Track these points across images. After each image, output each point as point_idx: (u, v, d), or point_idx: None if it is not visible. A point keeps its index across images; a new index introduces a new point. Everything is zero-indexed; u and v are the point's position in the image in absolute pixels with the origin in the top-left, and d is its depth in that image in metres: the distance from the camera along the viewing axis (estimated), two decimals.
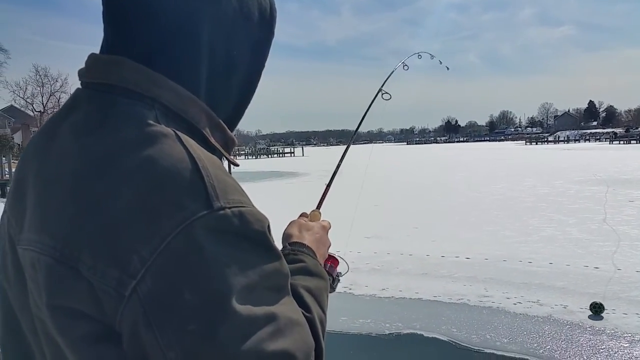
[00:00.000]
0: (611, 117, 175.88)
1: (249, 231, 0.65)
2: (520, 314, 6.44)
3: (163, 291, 0.59)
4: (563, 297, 6.98)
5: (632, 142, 78.20)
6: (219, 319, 0.59)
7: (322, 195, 1.25)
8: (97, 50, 0.80)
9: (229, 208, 0.63)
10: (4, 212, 0.80)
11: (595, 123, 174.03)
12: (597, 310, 6.28)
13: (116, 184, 0.63)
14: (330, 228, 1.09)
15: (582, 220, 12.49)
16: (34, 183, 0.72)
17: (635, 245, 9.70)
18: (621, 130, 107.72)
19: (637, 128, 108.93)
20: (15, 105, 63.98)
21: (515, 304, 6.78)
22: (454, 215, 13.91)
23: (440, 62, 1.76)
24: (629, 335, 5.65)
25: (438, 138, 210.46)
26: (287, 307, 0.66)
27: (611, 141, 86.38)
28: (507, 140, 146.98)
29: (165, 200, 0.61)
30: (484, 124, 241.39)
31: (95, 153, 0.67)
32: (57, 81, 60.35)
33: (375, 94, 1.45)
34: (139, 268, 0.59)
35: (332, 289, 1.03)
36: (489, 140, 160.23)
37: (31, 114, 61.65)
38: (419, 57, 1.64)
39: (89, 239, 0.62)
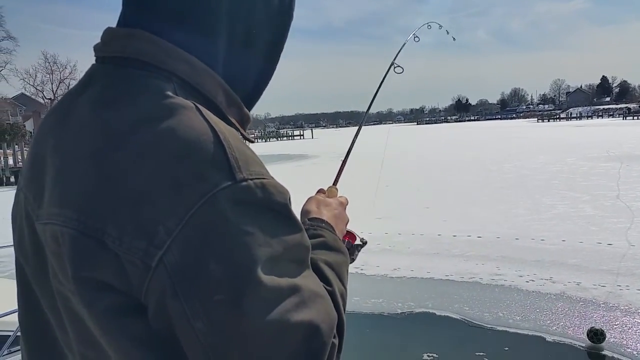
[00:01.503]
0: (625, 92, 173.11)
1: (271, 203, 0.65)
2: (533, 291, 6.44)
3: (190, 261, 0.60)
4: (576, 274, 6.96)
5: None
6: (245, 289, 0.60)
7: (338, 171, 1.24)
8: None
9: (252, 180, 0.63)
10: (19, 190, 0.80)
11: (608, 99, 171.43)
12: (597, 338, 4.87)
13: (138, 156, 0.63)
14: (347, 204, 1.08)
15: (595, 197, 12.38)
16: (52, 158, 0.72)
17: None
18: (635, 105, 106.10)
19: None
20: (26, 93, 64.40)
21: (527, 281, 6.78)
22: (466, 195, 13.86)
23: (447, 32, 1.75)
24: None
25: (448, 117, 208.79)
26: (309, 280, 0.67)
27: (624, 117, 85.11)
28: (518, 118, 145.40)
29: (188, 171, 0.62)
30: (495, 102, 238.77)
31: (115, 125, 0.67)
32: (66, 68, 60.55)
33: (388, 67, 1.43)
34: (165, 239, 0.60)
35: (352, 259, 1.03)
36: (501, 119, 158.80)
37: (42, 101, 61.97)
38: (429, 27, 1.63)
39: (113, 211, 0.62)
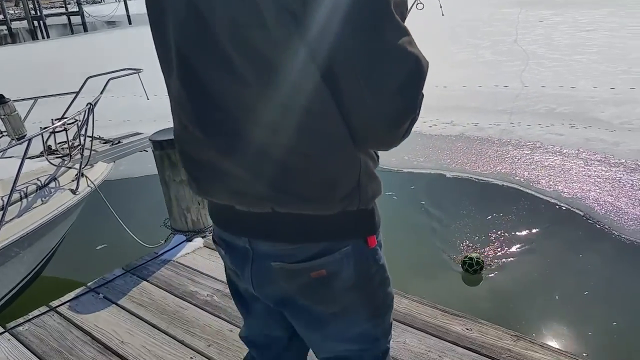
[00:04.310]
0: None
1: None
2: (435, 135, 6.83)
3: None
4: (475, 115, 7.42)
5: None
6: (386, 17, 0.83)
7: None
8: None
9: None
10: None
11: None
12: (471, 268, 3.63)
13: None
14: None
15: (495, 42, 12.82)
16: None
17: (542, 62, 10.21)
18: None
19: None
20: None
21: (430, 126, 7.15)
22: None
23: None
24: (531, 143, 6.22)
25: None
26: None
27: None
28: None
29: None
30: None
31: None
32: None
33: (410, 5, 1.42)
34: None
35: None
36: None
37: None
38: None
39: None
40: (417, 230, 4.46)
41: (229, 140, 0.96)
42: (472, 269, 3.59)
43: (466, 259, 3.65)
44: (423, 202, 4.95)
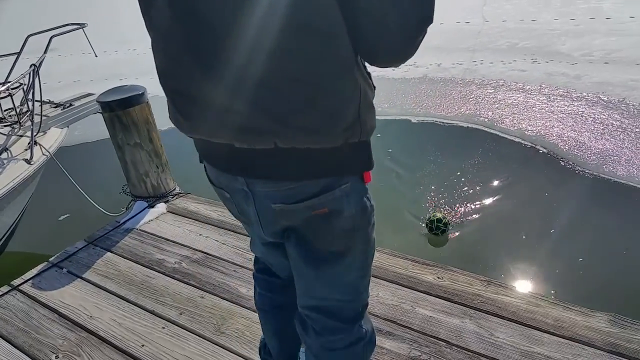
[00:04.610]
0: None
1: None
2: (399, 78, 6.74)
3: None
4: (438, 55, 7.33)
5: None
6: None
7: None
8: None
9: None
10: None
11: None
12: (438, 230, 3.48)
13: None
14: None
15: None
16: None
17: None
18: None
19: None
20: None
21: (393, 69, 7.03)
22: None
23: None
24: (494, 81, 6.20)
25: None
26: None
27: None
28: None
29: None
30: None
31: None
32: None
33: None
34: None
35: None
36: None
37: None
38: None
39: None
40: (386, 180, 4.44)
41: (226, 70, 0.88)
42: (440, 230, 3.44)
43: (431, 221, 3.46)
44: (390, 150, 4.92)
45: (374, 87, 1.04)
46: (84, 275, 2.60)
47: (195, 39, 0.89)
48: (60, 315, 2.32)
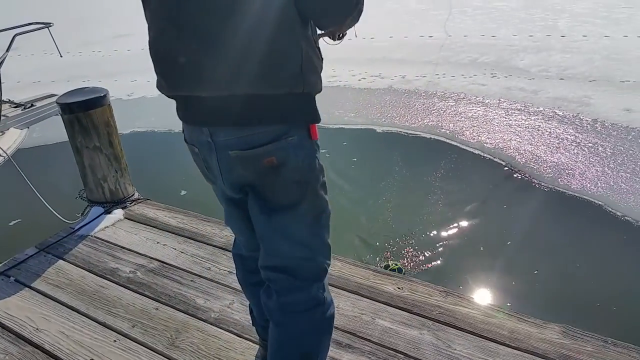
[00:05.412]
0: None
1: None
2: (365, 88, 6.80)
3: None
4: (402, 68, 7.43)
5: None
6: None
7: None
8: None
9: None
10: None
11: None
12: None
13: None
14: None
15: None
16: None
17: (465, 11, 10.34)
18: None
19: None
20: None
21: (359, 80, 7.10)
22: None
23: None
24: (455, 94, 6.33)
25: None
26: None
27: None
28: None
29: None
30: None
31: None
32: None
33: None
34: None
35: None
36: None
37: None
38: None
39: None
40: (349, 188, 4.45)
41: (194, 32, 1.11)
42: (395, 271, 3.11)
43: (385, 266, 3.25)
44: (355, 159, 4.94)
45: (322, 58, 1.22)
46: (32, 285, 2.48)
47: (174, 13, 1.12)
48: (3, 327, 2.20)
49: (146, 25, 1.24)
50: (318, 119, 1.23)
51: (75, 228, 2.95)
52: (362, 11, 1.21)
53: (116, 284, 2.43)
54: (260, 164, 1.20)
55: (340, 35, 1.39)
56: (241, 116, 1.16)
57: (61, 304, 2.32)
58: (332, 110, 6.13)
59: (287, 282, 1.35)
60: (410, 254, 3.50)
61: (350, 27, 1.31)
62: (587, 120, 5.25)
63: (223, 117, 1.18)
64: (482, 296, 3.04)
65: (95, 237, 2.85)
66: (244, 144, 1.18)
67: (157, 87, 1.28)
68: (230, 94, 1.13)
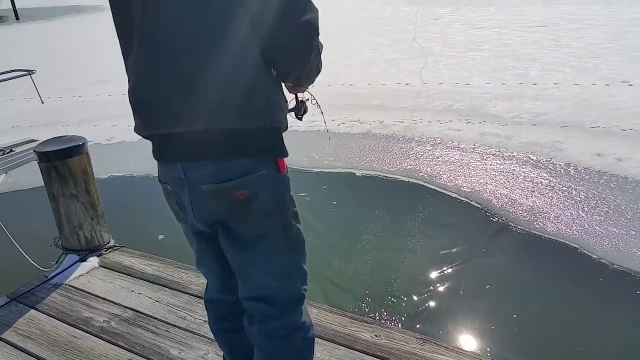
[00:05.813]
0: None
1: None
2: (344, 133, 6.92)
3: None
4: (380, 113, 7.61)
5: None
6: None
7: None
8: None
9: None
10: None
11: None
12: None
13: None
14: None
15: (395, 41, 13.26)
16: None
17: (439, 60, 10.71)
18: None
19: None
20: None
21: (339, 124, 7.23)
22: None
23: None
24: (432, 139, 6.48)
25: None
26: None
27: None
28: None
29: None
30: None
31: None
32: None
33: None
34: None
35: None
36: None
37: None
38: None
39: None
40: (330, 231, 4.47)
41: (170, 72, 1.18)
42: None
43: None
44: (335, 203, 4.97)
45: (287, 100, 1.36)
46: (2, 335, 2.41)
47: (153, 59, 1.20)
48: None
49: (126, 72, 1.31)
50: (286, 154, 1.32)
51: (49, 276, 2.90)
52: (320, 70, 1.35)
53: (89, 334, 2.38)
54: (232, 197, 1.26)
55: (303, 111, 1.51)
56: (213, 150, 1.23)
57: (31, 355, 2.26)
58: (312, 154, 6.21)
59: (267, 311, 1.41)
60: (388, 299, 3.49)
61: (309, 84, 1.44)
62: (560, 165, 5.40)
63: (196, 152, 1.24)
64: (461, 342, 3.04)
65: (69, 285, 2.80)
66: (216, 178, 1.24)
67: (135, 129, 1.34)
68: (204, 128, 1.20)
